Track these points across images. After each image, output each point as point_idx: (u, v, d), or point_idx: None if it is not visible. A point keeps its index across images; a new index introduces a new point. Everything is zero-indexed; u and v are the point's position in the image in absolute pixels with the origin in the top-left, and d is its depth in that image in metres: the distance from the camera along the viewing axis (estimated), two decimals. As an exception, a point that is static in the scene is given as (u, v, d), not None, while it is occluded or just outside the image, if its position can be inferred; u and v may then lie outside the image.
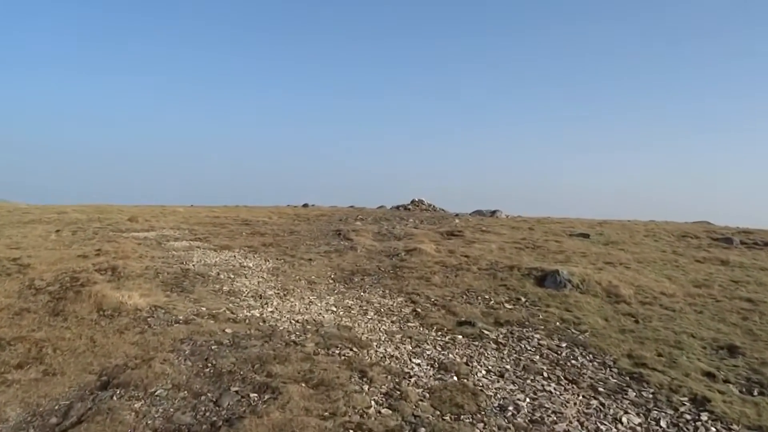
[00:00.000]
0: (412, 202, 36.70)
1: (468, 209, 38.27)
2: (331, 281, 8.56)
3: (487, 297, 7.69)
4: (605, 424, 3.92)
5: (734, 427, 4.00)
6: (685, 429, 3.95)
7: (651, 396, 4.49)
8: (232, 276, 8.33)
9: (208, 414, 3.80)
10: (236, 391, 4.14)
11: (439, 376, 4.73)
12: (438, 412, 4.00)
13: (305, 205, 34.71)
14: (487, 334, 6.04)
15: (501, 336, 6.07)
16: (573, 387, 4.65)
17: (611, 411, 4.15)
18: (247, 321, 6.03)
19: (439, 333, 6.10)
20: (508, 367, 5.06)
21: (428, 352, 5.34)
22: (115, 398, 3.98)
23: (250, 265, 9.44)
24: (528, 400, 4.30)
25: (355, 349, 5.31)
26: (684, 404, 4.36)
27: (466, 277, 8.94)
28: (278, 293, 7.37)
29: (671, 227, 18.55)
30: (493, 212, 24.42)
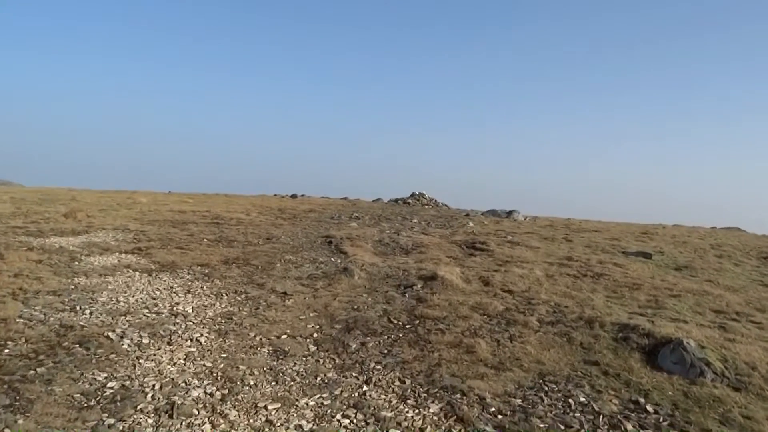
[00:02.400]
0: (412, 195, 33.28)
1: (470, 205, 34.95)
2: (312, 348, 5.20)
3: (583, 398, 4.37)
4: None
5: None
6: None
7: None
8: (145, 342, 4.93)
9: None
10: None
11: None
12: None
13: (294, 196, 31.23)
14: None
15: None
16: None
17: None
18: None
19: None
20: None
21: None
22: None
23: (189, 309, 6.04)
24: None
25: None
26: None
27: (528, 341, 5.62)
28: (211, 396, 3.98)
29: (734, 242, 15.32)
30: (510, 212, 21.13)
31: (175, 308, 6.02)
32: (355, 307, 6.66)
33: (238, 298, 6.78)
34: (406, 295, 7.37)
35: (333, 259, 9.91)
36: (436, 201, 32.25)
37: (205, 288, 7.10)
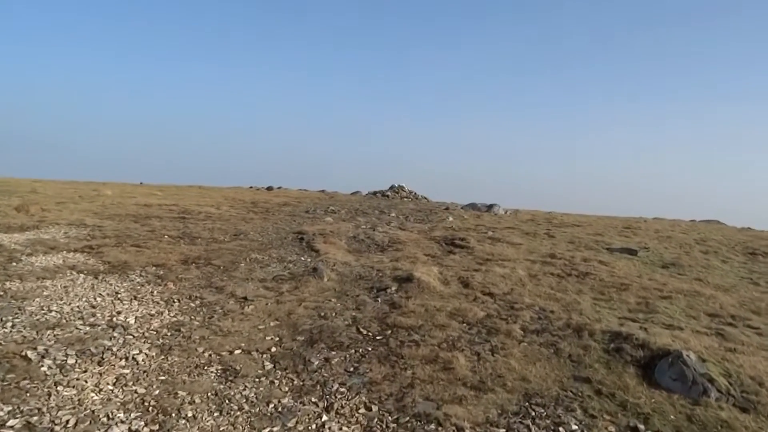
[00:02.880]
0: (391, 188, 32.65)
1: (450, 198, 34.46)
2: (268, 366, 4.55)
3: (575, 425, 3.82)
4: None
5: None
6: None
7: None
8: (71, 362, 4.22)
9: None
10: None
11: None
12: None
13: (269, 188, 30.36)
14: None
15: None
16: None
17: None
18: None
19: None
20: None
21: None
22: None
23: (131, 320, 5.33)
24: None
25: None
26: None
27: (511, 354, 5.05)
28: None
29: (717, 236, 15.03)
30: (490, 206, 20.65)
31: (115, 318, 5.31)
32: (322, 314, 6.02)
33: (192, 304, 6.09)
34: (379, 299, 6.75)
35: (303, 258, 9.24)
36: (415, 194, 31.70)
37: (155, 293, 6.39)
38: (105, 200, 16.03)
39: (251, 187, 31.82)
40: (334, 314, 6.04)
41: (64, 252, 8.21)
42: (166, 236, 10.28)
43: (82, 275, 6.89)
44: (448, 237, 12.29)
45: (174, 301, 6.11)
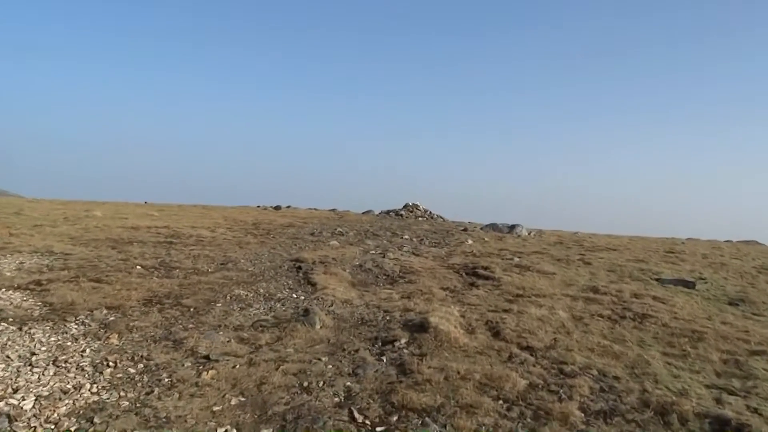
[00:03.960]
0: (405, 207, 31.04)
1: (467, 217, 32.74)
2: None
3: None
4: None
5: None
6: None
7: None
8: None
9: None
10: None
11: None
12: None
13: (277, 208, 28.98)
14: None
15: None
16: None
17: None
18: None
19: None
20: None
21: None
22: None
23: (29, 403, 3.76)
24: None
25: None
26: None
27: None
28: None
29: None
30: (512, 227, 18.96)
31: (7, 400, 3.76)
32: (306, 383, 4.42)
33: (131, 369, 4.53)
34: (384, 357, 5.13)
35: (295, 295, 7.67)
36: (430, 213, 30.11)
37: (87, 351, 4.84)
38: (90, 223, 14.67)
39: (258, 207, 30.49)
40: (321, 384, 4.43)
41: (2, 290, 6.74)
42: (138, 266, 8.79)
43: (2, 324, 5.37)
44: (468, 265, 10.65)
45: (107, 366, 4.55)
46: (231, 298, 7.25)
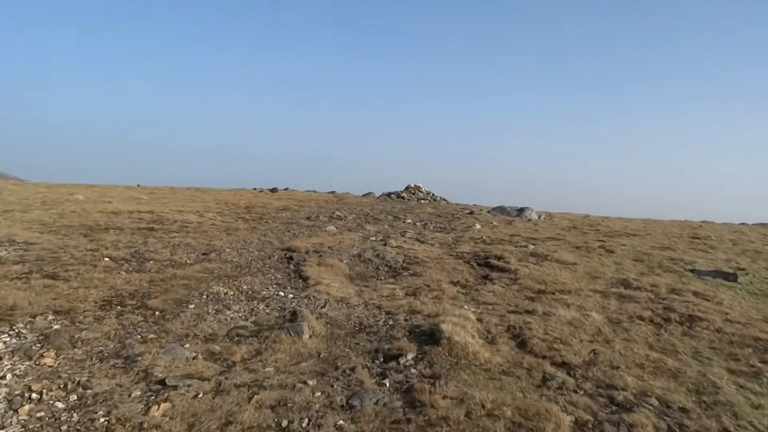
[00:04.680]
0: (407, 189, 29.89)
1: (471, 199, 31.61)
2: None
3: None
4: None
5: None
6: None
7: None
8: None
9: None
10: None
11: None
12: None
13: (273, 190, 27.86)
14: None
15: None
16: None
17: None
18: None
19: None
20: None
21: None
22: None
23: None
24: None
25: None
26: None
27: None
28: None
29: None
30: (521, 210, 17.87)
31: None
32: (285, 424, 3.38)
33: (59, 404, 3.48)
34: (386, 381, 4.09)
35: (283, 292, 6.62)
36: (433, 195, 29.02)
37: (9, 378, 3.80)
38: (68, 207, 13.58)
39: (255, 189, 29.36)
40: (305, 424, 3.39)
41: (-66, 290, 5.68)
42: (107, 258, 7.73)
43: None
44: (479, 254, 9.59)
45: (28, 399, 3.51)
46: (207, 297, 6.20)
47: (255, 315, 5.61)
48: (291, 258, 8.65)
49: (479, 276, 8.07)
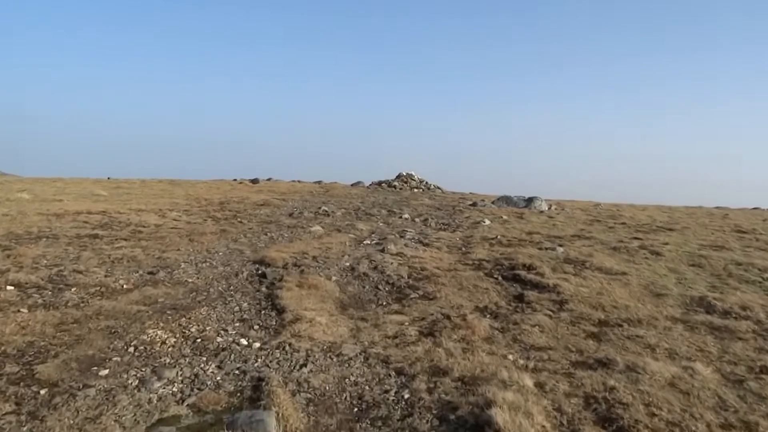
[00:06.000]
0: (399, 177, 27.85)
1: (465, 187, 29.77)
2: None
3: None
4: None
5: None
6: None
7: None
8: None
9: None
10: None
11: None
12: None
13: (255, 181, 25.73)
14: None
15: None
16: None
17: None
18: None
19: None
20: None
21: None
22: None
23: None
24: None
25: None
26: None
27: None
28: None
29: None
30: (530, 200, 16.02)
31: None
32: None
33: None
34: None
35: (247, 339, 4.65)
36: (427, 183, 27.08)
37: None
38: (3, 209, 11.43)
39: (236, 180, 27.18)
40: None
41: None
42: (10, 286, 5.70)
43: None
44: (501, 262, 7.69)
45: None
46: (135, 350, 4.23)
47: (198, 390, 3.65)
48: (264, 276, 6.69)
49: (511, 297, 6.17)
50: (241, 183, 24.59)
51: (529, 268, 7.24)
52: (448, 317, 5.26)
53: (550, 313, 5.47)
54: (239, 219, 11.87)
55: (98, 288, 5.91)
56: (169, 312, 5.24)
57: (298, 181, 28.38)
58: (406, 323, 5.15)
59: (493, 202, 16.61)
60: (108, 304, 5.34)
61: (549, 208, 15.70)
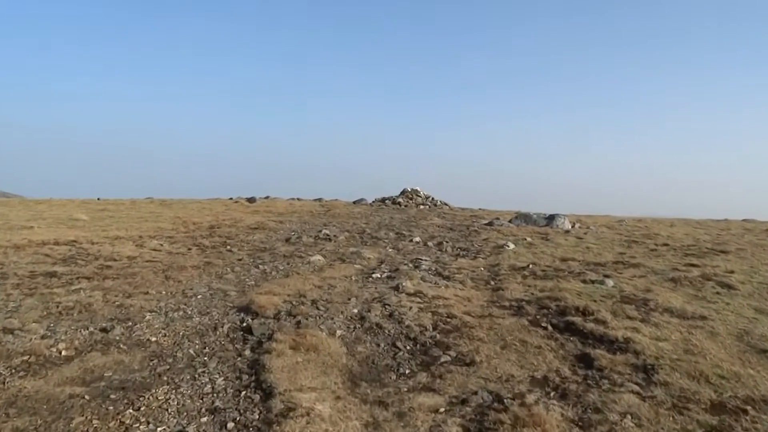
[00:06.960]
0: (403, 193, 26.40)
1: (473, 202, 28.31)
2: None
3: None
4: None
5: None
6: None
7: None
8: None
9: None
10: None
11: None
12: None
13: (251, 200, 24.30)
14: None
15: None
16: None
17: None
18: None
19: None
20: None
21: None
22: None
23: None
24: None
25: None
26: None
27: None
28: None
29: None
30: (551, 218, 14.55)
31: None
32: None
33: None
34: None
35: (215, 450, 3.17)
36: (433, 199, 25.66)
37: None
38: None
39: (231, 198, 25.77)
40: None
41: None
42: None
43: None
44: (545, 303, 6.22)
45: None
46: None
47: None
48: (249, 330, 5.22)
49: (573, 358, 4.68)
50: (236, 202, 23.17)
51: (584, 312, 5.77)
52: (500, 399, 3.78)
53: (639, 389, 3.98)
54: (228, 247, 10.42)
55: (26, 358, 4.44)
56: (112, 397, 3.77)
57: (298, 199, 26.99)
58: (442, 410, 3.67)
59: (510, 221, 15.14)
60: (31, 386, 3.88)
61: (573, 227, 14.23)
